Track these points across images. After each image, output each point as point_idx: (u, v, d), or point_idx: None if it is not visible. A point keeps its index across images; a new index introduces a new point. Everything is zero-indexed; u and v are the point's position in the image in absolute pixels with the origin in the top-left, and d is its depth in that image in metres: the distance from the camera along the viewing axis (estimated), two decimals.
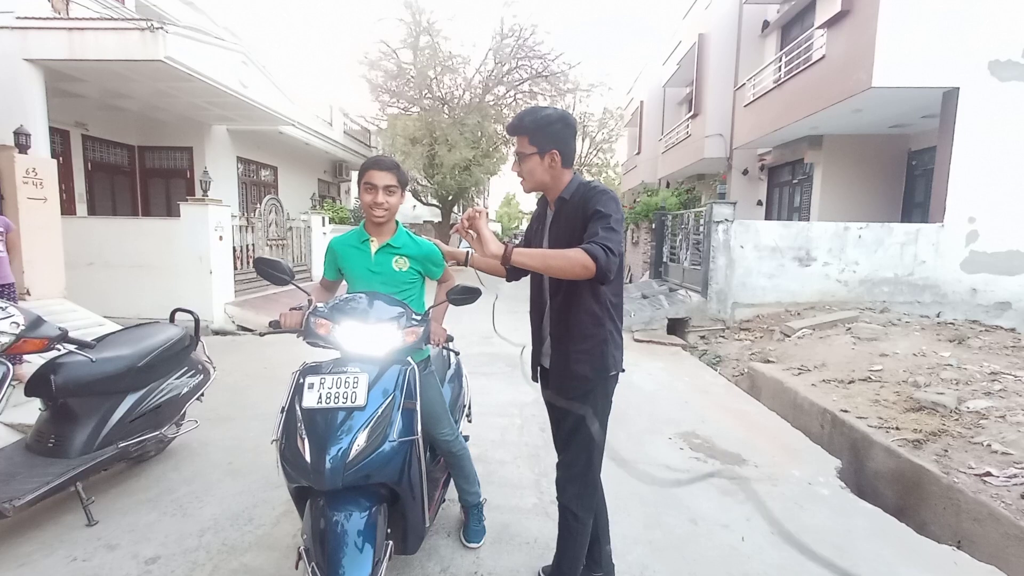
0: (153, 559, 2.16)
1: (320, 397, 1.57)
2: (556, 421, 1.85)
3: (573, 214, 1.67)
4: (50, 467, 2.32)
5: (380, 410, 1.59)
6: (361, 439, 1.52)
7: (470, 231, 1.59)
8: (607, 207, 1.58)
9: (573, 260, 1.47)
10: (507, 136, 17.30)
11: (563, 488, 1.78)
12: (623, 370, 1.80)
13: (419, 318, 1.84)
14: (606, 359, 1.72)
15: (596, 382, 1.73)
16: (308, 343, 1.77)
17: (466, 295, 1.96)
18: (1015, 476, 2.64)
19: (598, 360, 1.71)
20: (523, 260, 1.51)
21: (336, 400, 1.57)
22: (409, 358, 1.80)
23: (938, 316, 6.96)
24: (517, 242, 1.85)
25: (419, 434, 1.68)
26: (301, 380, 1.64)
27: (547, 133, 1.67)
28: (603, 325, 1.71)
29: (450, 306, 2.09)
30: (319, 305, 1.80)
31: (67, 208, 7.66)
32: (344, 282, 2.20)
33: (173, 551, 2.21)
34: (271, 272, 1.86)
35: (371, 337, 1.70)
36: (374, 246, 2.07)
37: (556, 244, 1.73)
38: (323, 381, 1.60)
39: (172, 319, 3.11)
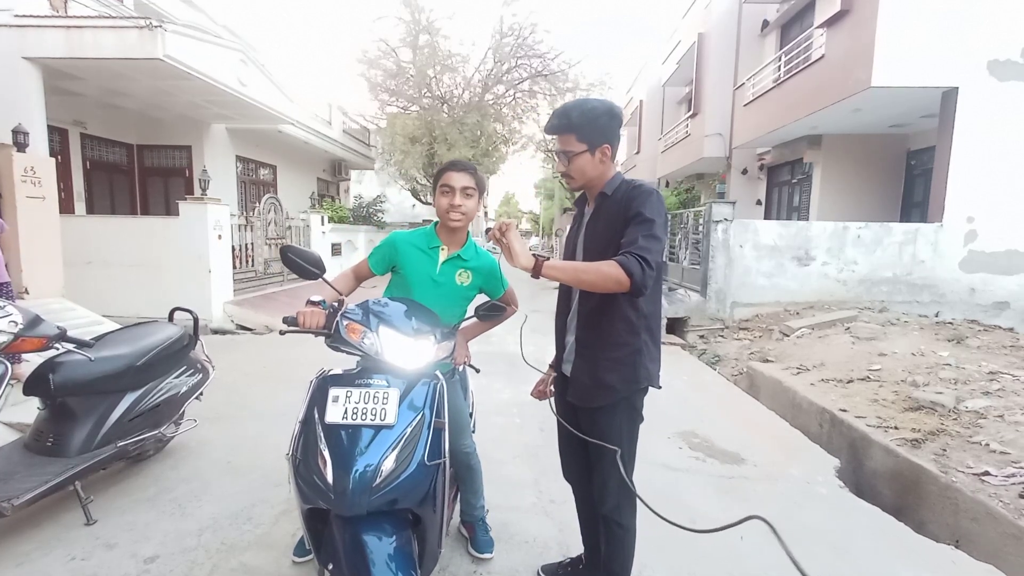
0: (152, 558, 2.15)
1: (346, 412, 1.45)
2: (580, 433, 1.72)
3: (615, 212, 1.58)
4: (49, 466, 2.31)
5: (409, 429, 1.47)
6: (389, 461, 1.40)
7: (502, 240, 1.49)
8: (651, 211, 1.48)
9: (606, 275, 1.40)
10: (506, 136, 17.28)
11: (603, 501, 1.72)
12: (659, 386, 1.68)
13: (450, 331, 1.75)
14: (637, 370, 1.63)
15: (623, 394, 1.64)
16: (330, 346, 1.63)
17: (493, 311, 1.90)
18: (1013, 475, 2.64)
19: (629, 371, 1.62)
20: (554, 274, 1.44)
21: (363, 416, 1.44)
22: (437, 372, 1.69)
23: (937, 316, 6.96)
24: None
25: (447, 456, 1.56)
26: (324, 391, 1.50)
27: (596, 127, 1.58)
28: (638, 334, 1.62)
29: None
30: (350, 306, 1.67)
31: (65, 207, 7.63)
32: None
33: (172, 550, 2.21)
34: (300, 264, 1.69)
35: (408, 349, 1.59)
36: (443, 255, 1.95)
37: (593, 243, 1.66)
38: (349, 394, 1.47)
39: (171, 318, 3.10)
